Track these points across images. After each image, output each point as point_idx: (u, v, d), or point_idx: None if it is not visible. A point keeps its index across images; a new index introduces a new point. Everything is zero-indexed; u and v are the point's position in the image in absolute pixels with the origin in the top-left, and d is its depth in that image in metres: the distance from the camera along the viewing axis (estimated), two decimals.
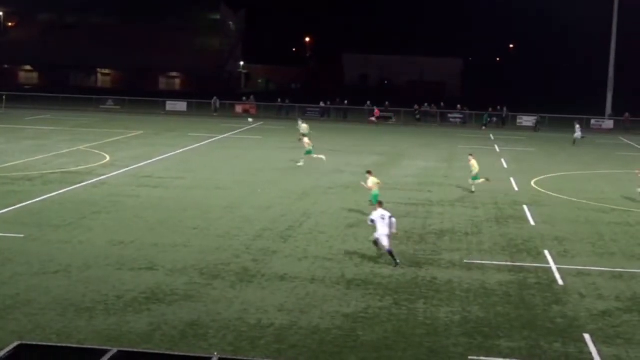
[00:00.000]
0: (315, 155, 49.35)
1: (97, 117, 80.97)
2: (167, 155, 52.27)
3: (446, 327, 20.63)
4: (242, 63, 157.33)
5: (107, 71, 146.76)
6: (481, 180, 41.68)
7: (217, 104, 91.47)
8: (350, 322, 20.71)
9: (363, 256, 27.45)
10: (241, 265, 25.73)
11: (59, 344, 15.11)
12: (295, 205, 36.50)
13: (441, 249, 29.01)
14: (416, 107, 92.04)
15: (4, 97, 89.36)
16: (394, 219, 26.70)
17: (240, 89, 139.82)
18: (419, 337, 19.90)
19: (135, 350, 14.19)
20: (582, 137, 69.34)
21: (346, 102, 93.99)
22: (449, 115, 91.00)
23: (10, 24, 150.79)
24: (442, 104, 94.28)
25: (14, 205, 34.00)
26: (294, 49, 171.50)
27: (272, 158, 52.83)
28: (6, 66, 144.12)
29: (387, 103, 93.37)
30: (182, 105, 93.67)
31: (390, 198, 38.88)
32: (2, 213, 32.36)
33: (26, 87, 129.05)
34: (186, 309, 21.29)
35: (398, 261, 26.36)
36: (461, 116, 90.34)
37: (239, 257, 26.85)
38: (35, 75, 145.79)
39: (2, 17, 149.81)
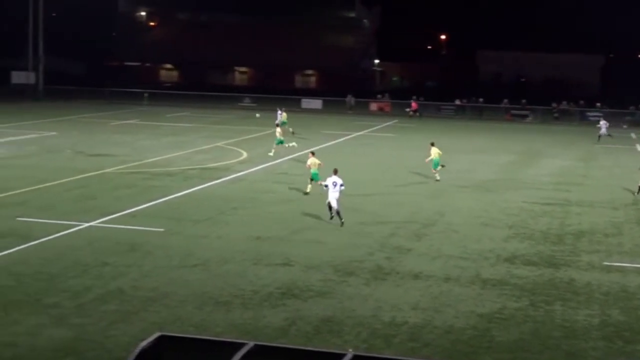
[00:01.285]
0: (287, 145, 50.32)
1: (234, 115, 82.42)
2: (302, 153, 52.70)
3: (585, 330, 20.17)
4: (376, 61, 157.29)
5: (244, 69, 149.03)
6: (439, 168, 42.56)
7: (352, 102, 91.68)
8: (485, 322, 20.49)
9: (498, 256, 27.10)
10: (375, 263, 25.80)
11: (197, 336, 15.44)
12: (428, 204, 36.34)
13: (579, 250, 28.36)
14: (554, 105, 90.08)
15: (146, 94, 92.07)
16: (343, 187, 31.27)
17: (375, 87, 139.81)
18: (556, 339, 19.52)
19: (272, 344, 14.38)
20: (608, 135, 65.91)
21: (481, 99, 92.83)
22: (588, 113, 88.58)
23: (151, 24, 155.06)
24: (582, 102, 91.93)
25: (156, 199, 35.00)
26: (428, 46, 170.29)
27: (405, 156, 52.68)
28: (148, 64, 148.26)
29: (523, 101, 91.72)
30: (317, 103, 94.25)
31: (527, 197, 38.28)
32: (144, 207, 33.36)
33: (166, 84, 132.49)
34: (321, 304, 21.48)
35: (343, 220, 30.70)
36: (601, 114, 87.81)
37: (373, 254, 26.92)
38: (175, 73, 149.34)
39: (144, 17, 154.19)
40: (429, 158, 42.83)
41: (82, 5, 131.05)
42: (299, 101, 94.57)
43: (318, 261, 25.73)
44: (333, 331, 19.59)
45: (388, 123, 78.47)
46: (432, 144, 43.37)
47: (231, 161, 47.48)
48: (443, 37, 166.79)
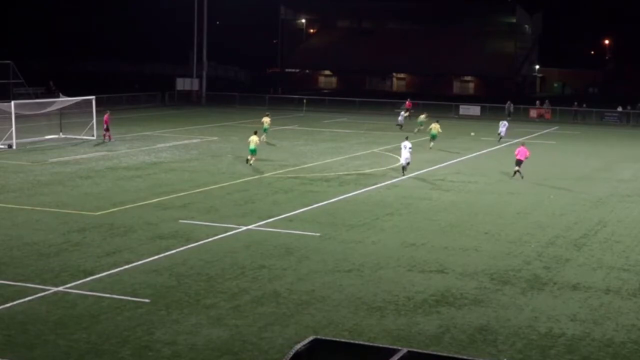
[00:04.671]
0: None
1: (391, 121, 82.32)
2: (459, 159, 52.36)
3: None
4: (537, 67, 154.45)
5: (402, 75, 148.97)
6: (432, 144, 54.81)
7: (511, 108, 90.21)
8: None
9: None
10: (532, 272, 25.30)
11: (351, 341, 15.51)
12: (589, 213, 35.35)
13: None
14: None
15: (304, 100, 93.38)
16: (411, 149, 43.53)
17: (535, 93, 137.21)
18: None
19: (425, 351, 14.29)
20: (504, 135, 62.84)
21: None
22: None
23: (311, 31, 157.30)
24: None
25: (312, 204, 35.42)
26: (591, 52, 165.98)
27: (566, 164, 51.50)
28: (307, 71, 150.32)
29: None
30: (475, 109, 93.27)
31: None
32: (301, 212, 33.81)
33: (325, 91, 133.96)
34: (475, 313, 21.22)
35: (404, 174, 43.11)
36: None
37: (530, 263, 26.41)
38: (333, 79, 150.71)
39: (304, 25, 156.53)
40: (429, 128, 55.97)
41: (244, 14, 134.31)
42: (457, 107, 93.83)
43: (473, 269, 25.44)
44: (487, 340, 19.32)
45: (548, 130, 76.87)
46: (437, 122, 57.26)
47: (387, 167, 47.52)
48: (607, 42, 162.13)
